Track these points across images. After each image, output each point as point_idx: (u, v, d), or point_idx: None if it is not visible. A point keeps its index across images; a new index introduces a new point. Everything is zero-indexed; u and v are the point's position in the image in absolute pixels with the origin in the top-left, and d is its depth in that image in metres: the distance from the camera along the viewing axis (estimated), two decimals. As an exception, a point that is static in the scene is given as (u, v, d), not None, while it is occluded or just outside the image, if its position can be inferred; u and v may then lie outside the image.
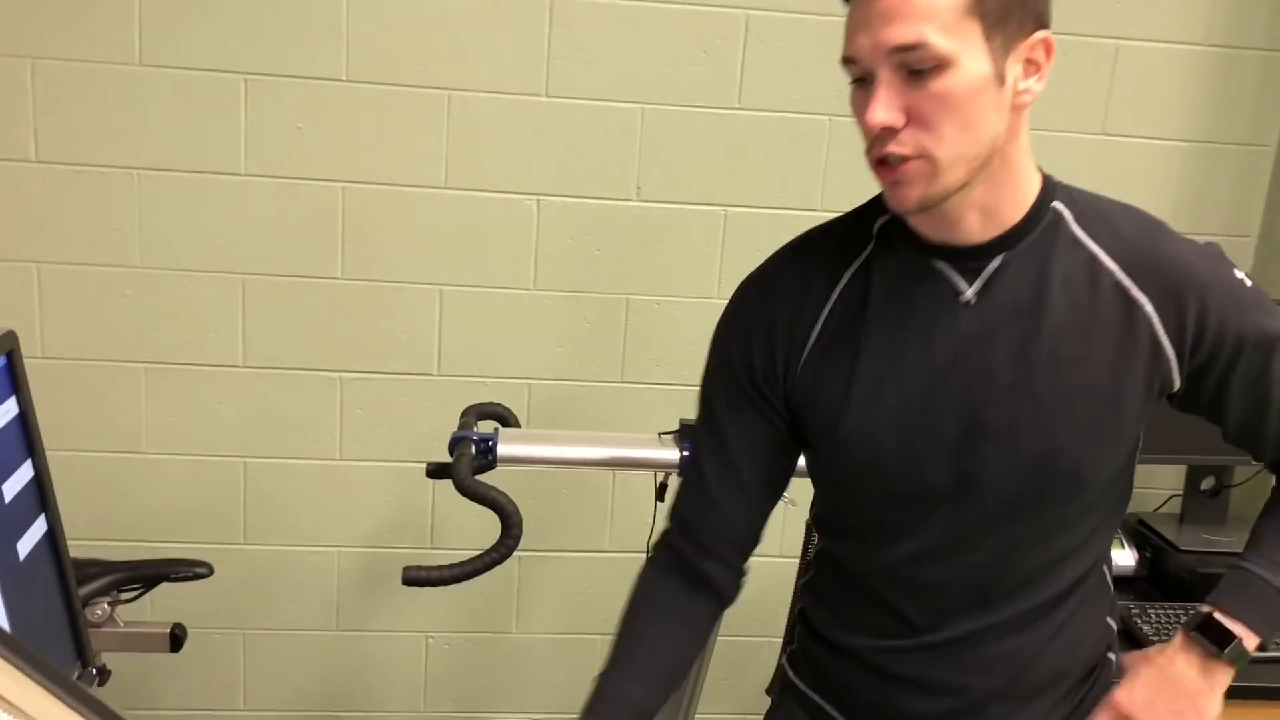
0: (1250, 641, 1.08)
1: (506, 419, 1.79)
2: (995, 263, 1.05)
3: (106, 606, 1.56)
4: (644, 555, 1.25)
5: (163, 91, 2.01)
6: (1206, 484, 2.07)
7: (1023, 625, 1.14)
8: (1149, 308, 1.05)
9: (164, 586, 1.90)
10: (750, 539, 1.19)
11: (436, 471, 1.62)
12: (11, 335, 1.03)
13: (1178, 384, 1.08)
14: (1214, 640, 1.08)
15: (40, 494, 1.04)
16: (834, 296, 1.10)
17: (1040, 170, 1.09)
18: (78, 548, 2.01)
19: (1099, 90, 2.18)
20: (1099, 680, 1.22)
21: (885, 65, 0.96)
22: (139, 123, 2.02)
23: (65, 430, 2.10)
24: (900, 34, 0.94)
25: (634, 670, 1.14)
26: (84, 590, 1.51)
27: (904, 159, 0.97)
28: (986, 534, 1.09)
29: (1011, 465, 1.05)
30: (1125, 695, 1.10)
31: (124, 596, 1.60)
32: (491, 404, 1.81)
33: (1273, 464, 1.17)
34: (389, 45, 2.04)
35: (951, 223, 1.04)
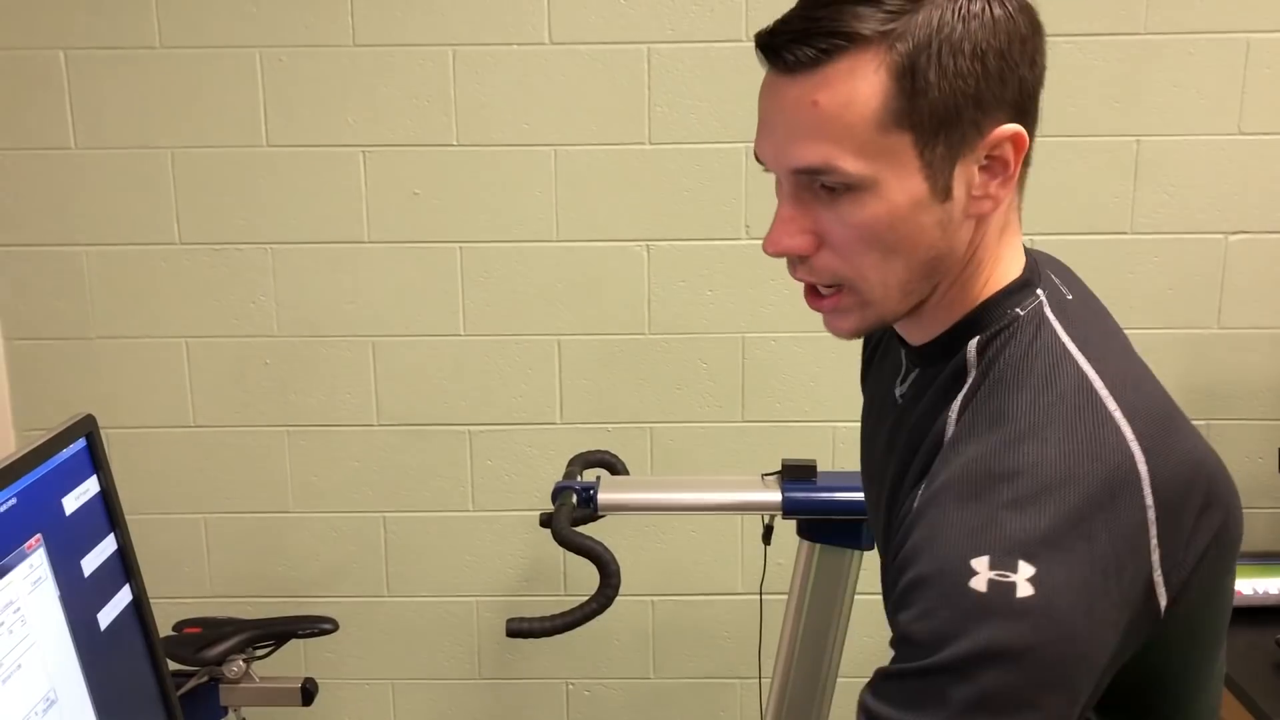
0: None
1: (614, 466, 1.81)
2: (915, 373, 0.91)
3: (242, 663, 1.65)
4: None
5: (287, 169, 2.13)
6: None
7: None
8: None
9: (317, 642, 1.99)
10: None
11: (545, 522, 1.65)
12: (90, 419, 1.11)
13: None
14: None
15: (124, 565, 1.11)
16: (873, 351, 1.09)
17: (1005, 304, 0.85)
18: (232, 606, 2.14)
19: (1232, 88, 2.04)
20: None
21: (790, 182, 0.81)
22: (269, 200, 2.15)
23: (216, 493, 2.24)
24: (803, 155, 0.77)
25: None
26: (219, 649, 1.60)
27: (825, 288, 0.83)
28: None
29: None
30: None
31: (258, 653, 1.69)
32: (599, 452, 1.83)
33: None
34: (494, 109, 2.11)
35: (904, 324, 0.90)
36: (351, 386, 2.22)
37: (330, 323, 2.20)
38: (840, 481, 1.59)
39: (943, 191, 0.77)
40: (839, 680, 1.67)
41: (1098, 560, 0.71)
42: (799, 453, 2.18)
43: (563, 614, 1.45)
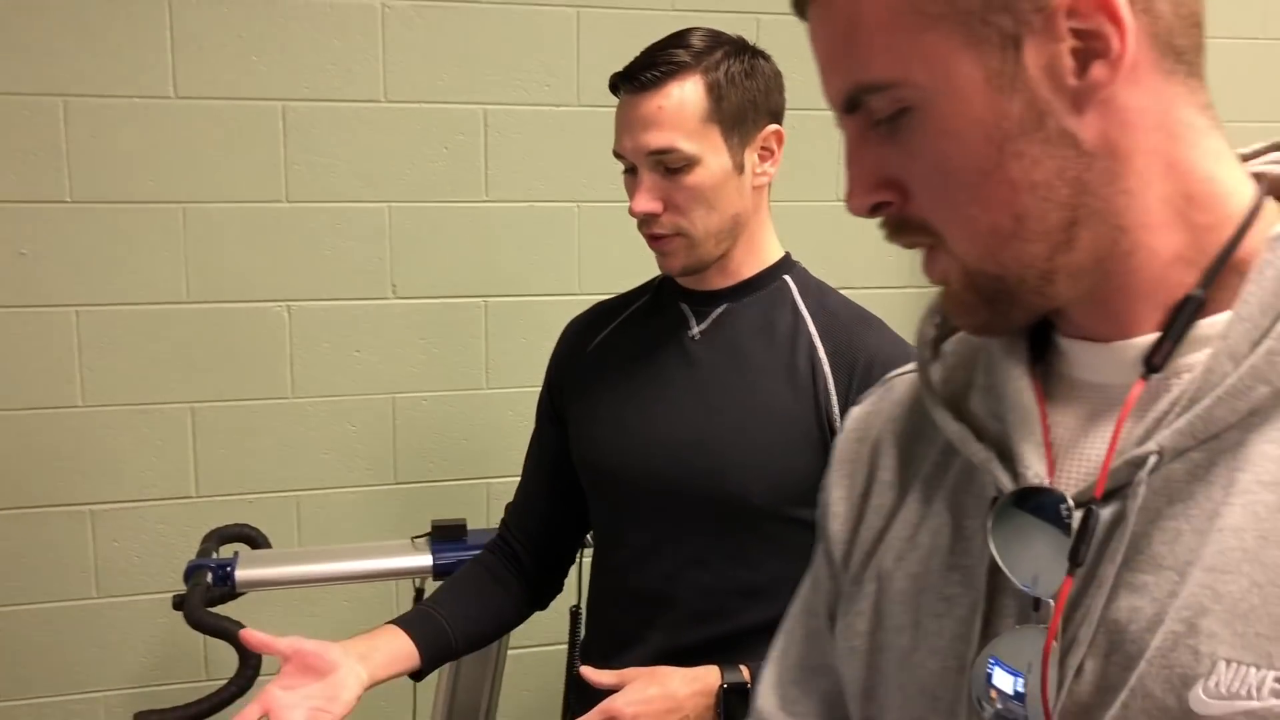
0: None
1: (255, 539, 1.72)
2: (721, 309, 1.23)
3: None
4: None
5: None
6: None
7: (699, 660, 1.16)
8: (829, 369, 1.17)
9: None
10: (553, 540, 1.37)
11: (178, 604, 1.54)
12: None
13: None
14: (730, 708, 1.10)
15: None
16: (607, 331, 1.32)
17: (783, 250, 1.27)
18: None
19: (834, 156, 2.28)
20: None
21: (645, 164, 1.15)
22: None
23: None
24: (655, 140, 1.14)
25: (449, 608, 1.29)
26: None
27: (666, 237, 1.17)
28: (674, 543, 1.19)
29: (695, 479, 1.17)
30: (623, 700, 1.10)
31: None
32: (238, 525, 1.74)
33: None
34: (114, 163, 1.97)
35: (701, 276, 1.23)
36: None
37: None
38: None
39: (739, 167, 1.17)
40: (496, 738, 1.67)
41: None
42: (456, 511, 2.18)
43: (198, 701, 1.36)
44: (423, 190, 2.11)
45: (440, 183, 2.12)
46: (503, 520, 1.41)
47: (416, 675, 1.24)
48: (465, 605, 1.30)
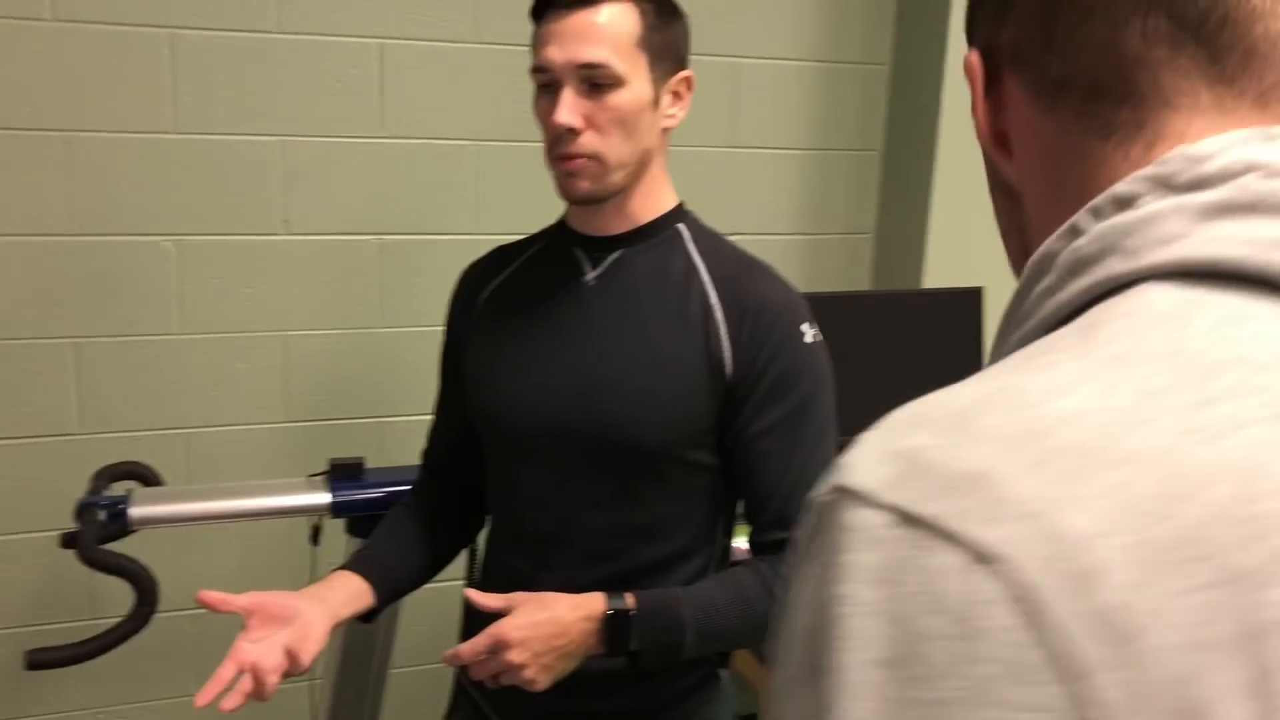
0: (629, 641, 1.15)
1: (147, 477, 1.70)
2: (616, 255, 1.24)
3: None
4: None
5: None
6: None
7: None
8: (720, 315, 1.19)
9: None
10: (470, 478, 1.36)
11: (68, 541, 1.52)
12: None
13: (729, 394, 1.18)
14: (614, 633, 1.13)
15: None
16: (502, 277, 1.32)
17: (678, 199, 1.28)
18: None
19: (725, 106, 2.32)
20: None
21: (572, 78, 1.14)
22: None
23: None
24: (589, 53, 1.13)
25: (387, 549, 1.30)
26: None
27: (580, 157, 1.15)
28: (569, 487, 1.21)
29: (589, 425, 1.19)
30: (509, 625, 1.12)
31: None
32: (129, 463, 1.72)
33: (753, 536, 1.23)
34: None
35: (598, 218, 1.23)
36: None
37: None
38: (390, 477, 1.62)
39: (654, 102, 1.18)
40: (393, 671, 1.70)
41: None
42: (351, 451, 2.18)
43: (94, 638, 1.36)
44: (316, 125, 2.08)
45: (334, 118, 2.09)
46: (421, 464, 1.42)
47: (368, 616, 1.25)
48: (402, 545, 1.31)
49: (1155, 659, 0.37)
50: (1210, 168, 0.47)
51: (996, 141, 0.57)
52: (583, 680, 1.16)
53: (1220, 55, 0.50)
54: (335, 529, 1.72)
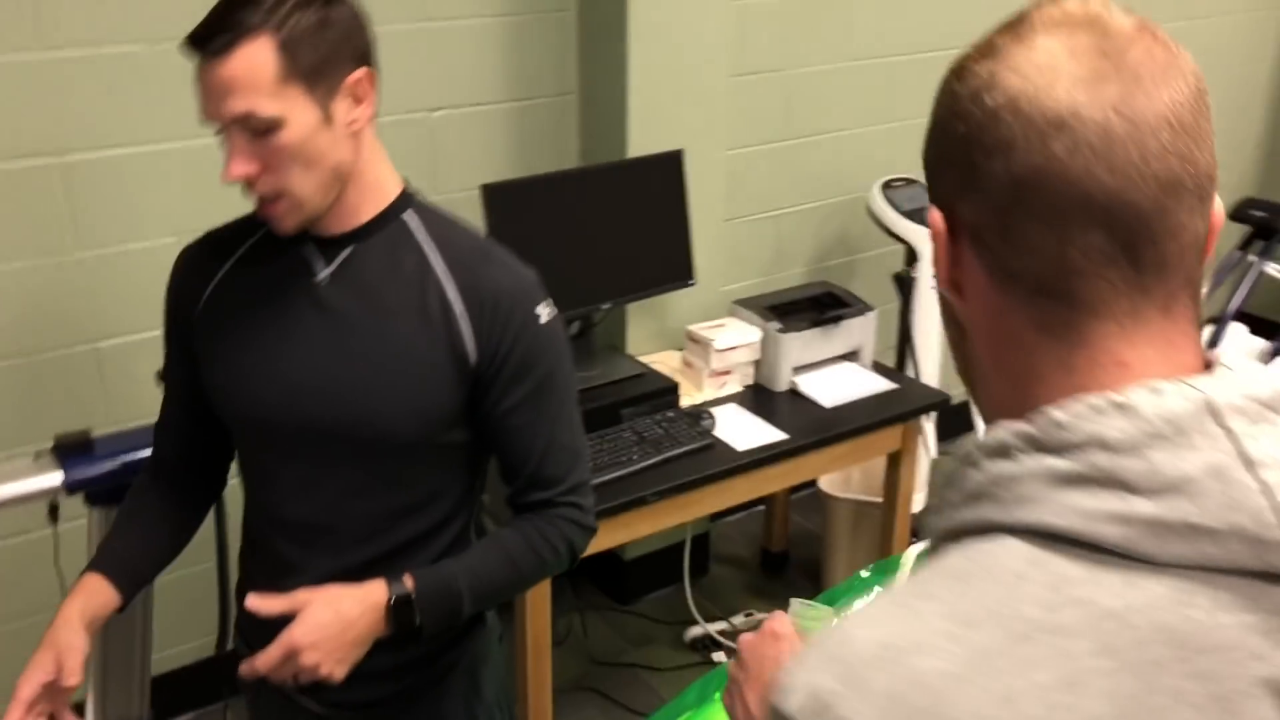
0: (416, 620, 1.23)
1: None
2: (347, 251, 1.24)
3: None
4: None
5: None
6: (573, 329, 2.36)
7: (364, 577, 1.23)
8: (460, 307, 1.22)
9: None
10: (204, 454, 1.37)
11: None
12: None
13: (476, 381, 1.24)
14: (398, 616, 1.21)
15: None
16: (225, 270, 1.29)
17: (404, 184, 1.27)
18: None
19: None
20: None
21: (233, 128, 1.12)
22: None
23: None
24: (233, 107, 1.10)
25: (129, 540, 1.32)
26: None
27: (271, 201, 1.16)
28: (329, 477, 1.26)
29: (342, 423, 1.23)
30: (298, 632, 1.16)
31: None
32: None
33: (511, 497, 1.32)
34: None
35: (320, 222, 1.22)
36: None
37: None
38: (121, 445, 1.61)
39: (328, 119, 1.15)
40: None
41: None
42: (68, 397, 2.09)
43: None
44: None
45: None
46: (155, 441, 1.40)
47: (119, 610, 1.29)
48: (142, 533, 1.33)
49: None
50: (1066, 436, 0.58)
51: (953, 287, 0.66)
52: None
53: (1142, 269, 0.60)
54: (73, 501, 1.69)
